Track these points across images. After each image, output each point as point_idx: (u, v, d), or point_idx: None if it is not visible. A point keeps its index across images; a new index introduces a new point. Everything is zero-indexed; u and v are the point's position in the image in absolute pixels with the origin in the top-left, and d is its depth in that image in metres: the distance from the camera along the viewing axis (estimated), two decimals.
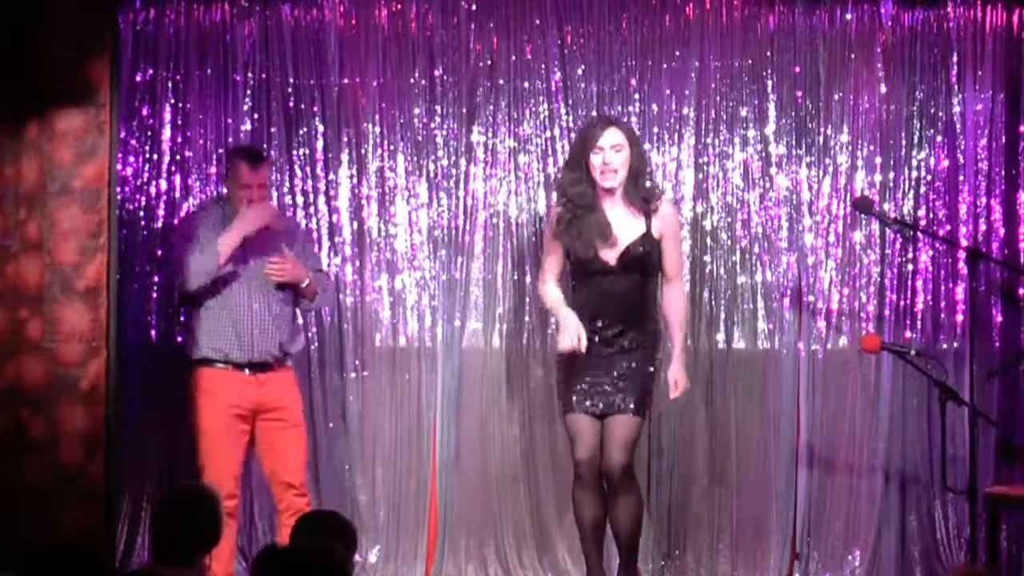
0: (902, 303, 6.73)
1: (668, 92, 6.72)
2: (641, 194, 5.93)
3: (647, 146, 6.69)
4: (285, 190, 6.65)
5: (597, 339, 5.88)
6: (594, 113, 6.56)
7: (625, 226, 5.91)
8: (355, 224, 6.71)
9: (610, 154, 5.87)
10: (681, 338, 6.04)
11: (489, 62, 6.72)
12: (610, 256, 5.88)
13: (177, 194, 6.66)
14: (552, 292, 6.06)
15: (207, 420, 6.00)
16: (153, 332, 6.63)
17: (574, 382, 5.91)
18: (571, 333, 5.82)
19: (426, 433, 6.70)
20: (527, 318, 6.69)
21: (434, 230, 6.72)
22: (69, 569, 3.69)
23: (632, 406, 5.83)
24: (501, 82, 6.71)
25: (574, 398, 5.90)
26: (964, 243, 6.61)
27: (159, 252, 6.63)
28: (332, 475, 6.68)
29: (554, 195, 6.29)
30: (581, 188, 5.92)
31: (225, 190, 6.27)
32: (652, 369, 5.96)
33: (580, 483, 5.91)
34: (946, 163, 6.73)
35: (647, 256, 5.91)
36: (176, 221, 6.54)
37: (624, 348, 5.87)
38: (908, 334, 6.70)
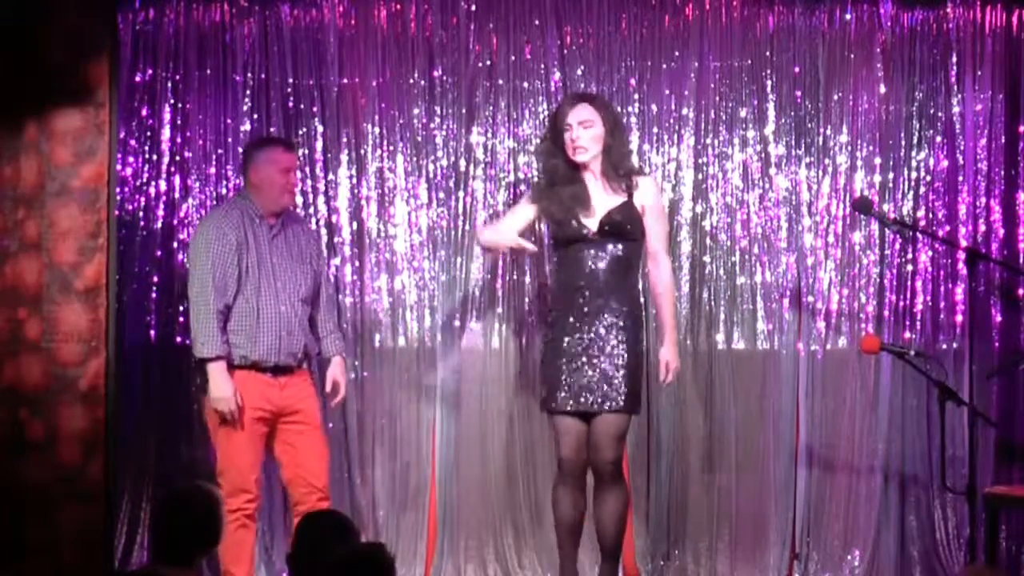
0: (901, 304, 6.73)
1: (667, 92, 6.72)
2: (620, 171, 5.91)
3: (646, 146, 6.69)
4: None
5: (578, 315, 5.81)
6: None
7: (604, 197, 5.90)
8: (354, 224, 6.71)
9: (578, 131, 5.87)
10: (670, 315, 5.97)
11: (488, 62, 6.71)
12: (591, 223, 5.84)
13: (176, 194, 6.66)
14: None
15: (229, 421, 5.81)
16: (152, 332, 6.62)
17: (558, 375, 5.85)
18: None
19: (426, 433, 6.69)
20: (527, 318, 6.69)
21: (434, 230, 6.72)
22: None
23: (622, 401, 5.79)
24: (500, 82, 6.70)
25: (560, 395, 5.85)
26: (963, 243, 6.61)
27: (158, 253, 6.62)
28: (332, 475, 6.64)
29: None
30: (554, 162, 5.95)
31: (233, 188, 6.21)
32: (641, 350, 5.93)
33: (563, 481, 5.88)
34: (945, 163, 6.73)
35: (627, 224, 5.85)
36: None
37: (608, 326, 5.80)
38: (907, 334, 6.70)
